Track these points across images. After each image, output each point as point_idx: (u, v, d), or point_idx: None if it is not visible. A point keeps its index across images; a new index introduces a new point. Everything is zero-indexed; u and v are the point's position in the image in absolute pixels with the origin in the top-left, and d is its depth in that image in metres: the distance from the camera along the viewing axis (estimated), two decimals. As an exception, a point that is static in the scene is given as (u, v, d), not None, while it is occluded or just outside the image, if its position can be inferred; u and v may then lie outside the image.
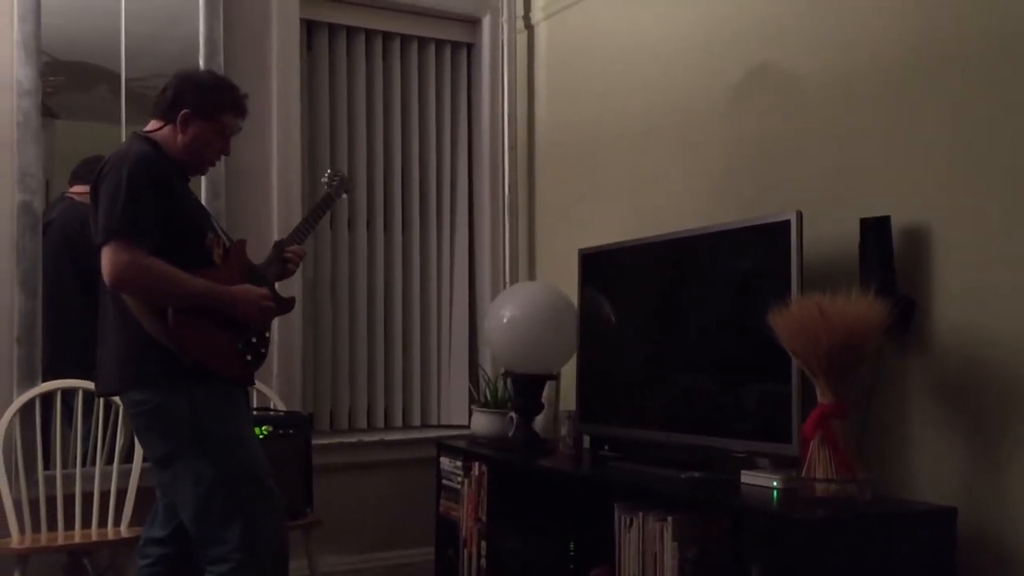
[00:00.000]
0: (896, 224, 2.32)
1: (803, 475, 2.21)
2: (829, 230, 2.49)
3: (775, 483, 2.35)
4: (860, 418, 2.32)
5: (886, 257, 2.30)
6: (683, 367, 2.77)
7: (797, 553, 2.10)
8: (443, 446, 3.48)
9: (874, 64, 2.46)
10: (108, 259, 2.29)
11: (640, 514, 2.47)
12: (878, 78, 2.45)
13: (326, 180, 2.97)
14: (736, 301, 2.62)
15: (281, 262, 2.72)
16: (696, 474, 2.54)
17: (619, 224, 3.31)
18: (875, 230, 2.32)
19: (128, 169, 2.33)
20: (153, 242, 2.32)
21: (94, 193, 2.39)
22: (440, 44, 4.02)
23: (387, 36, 3.90)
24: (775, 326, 2.25)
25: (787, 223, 2.40)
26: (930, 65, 2.33)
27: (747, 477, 2.44)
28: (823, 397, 2.22)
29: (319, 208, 2.91)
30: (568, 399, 3.37)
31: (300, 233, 2.81)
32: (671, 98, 3.16)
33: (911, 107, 2.37)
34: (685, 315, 2.81)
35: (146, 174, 2.35)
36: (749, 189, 2.83)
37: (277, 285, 2.70)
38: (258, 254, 2.69)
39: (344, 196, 3.03)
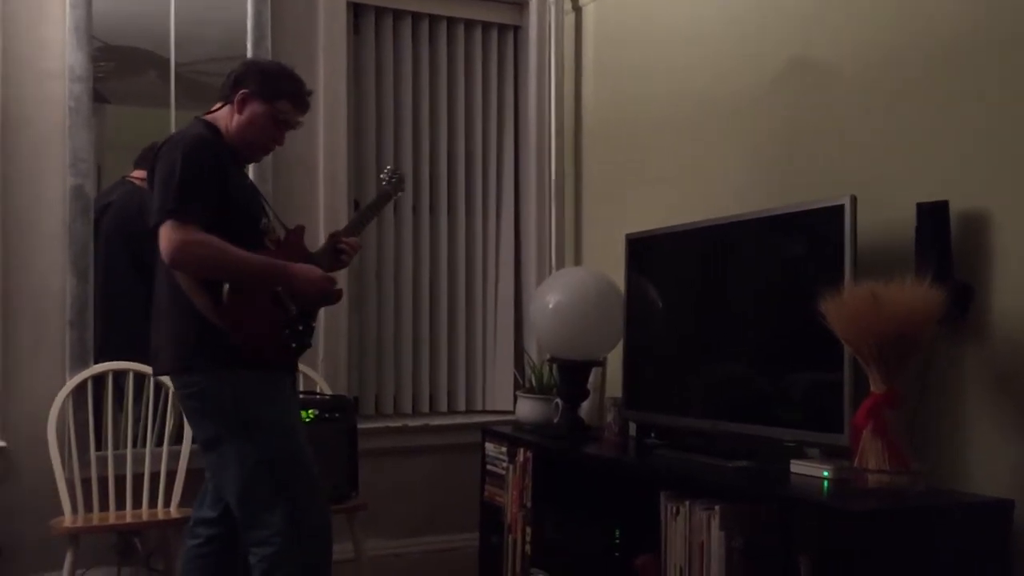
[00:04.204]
0: (954, 209, 2.25)
1: (854, 465, 2.17)
2: (884, 215, 2.43)
3: (825, 473, 2.30)
4: (914, 408, 2.27)
5: (943, 243, 2.24)
6: (731, 355, 2.73)
7: (847, 544, 2.06)
8: (488, 432, 3.47)
9: (931, 43, 2.39)
10: (165, 238, 2.32)
11: (687, 503, 2.44)
12: (935, 57, 2.38)
13: (384, 176, 2.95)
14: (787, 287, 2.57)
15: (335, 252, 2.71)
16: (744, 463, 2.51)
17: (667, 209, 3.26)
18: (932, 215, 2.25)
19: (182, 150, 2.36)
20: (206, 221, 2.34)
21: (150, 176, 2.42)
22: (487, 27, 4.00)
23: (433, 19, 3.89)
24: (827, 313, 2.20)
25: (841, 208, 2.34)
26: (990, 43, 2.25)
27: (796, 467, 2.40)
28: (876, 386, 2.17)
29: (375, 205, 2.91)
30: (614, 386, 3.35)
31: (355, 227, 2.81)
32: (719, 80, 3.11)
33: (970, 88, 2.29)
34: (734, 302, 2.77)
35: (200, 155, 2.38)
36: (800, 173, 2.77)
37: None
38: (306, 240, 2.70)
39: (400, 194, 3.03)
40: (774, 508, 2.32)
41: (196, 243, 2.32)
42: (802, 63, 2.79)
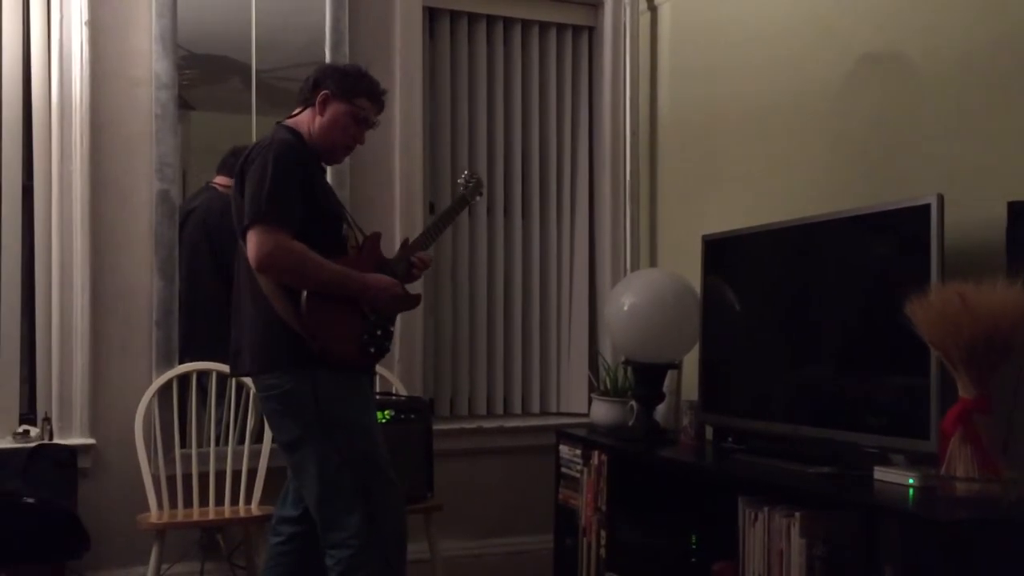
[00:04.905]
0: (1048, 208, 2.17)
1: (942, 473, 2.10)
2: (973, 214, 2.35)
3: (911, 480, 2.23)
4: (1006, 414, 2.19)
5: (1037, 243, 2.16)
6: (812, 358, 2.67)
7: (935, 555, 1.99)
8: (562, 434, 3.46)
9: (1018, 36, 2.31)
10: (254, 242, 2.36)
11: (766, 509, 2.39)
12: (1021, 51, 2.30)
13: (462, 181, 2.97)
14: (870, 289, 2.50)
15: (408, 265, 2.74)
16: (825, 469, 2.45)
17: (744, 210, 3.21)
18: (1024, 214, 2.18)
19: (273, 155, 2.41)
20: (295, 227, 2.38)
21: (239, 180, 2.47)
22: (561, 28, 3.99)
23: (508, 21, 3.90)
24: (913, 316, 2.14)
25: (927, 207, 2.27)
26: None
27: (880, 474, 2.33)
28: (965, 391, 2.10)
29: (452, 209, 2.93)
30: (690, 389, 3.31)
31: (431, 235, 2.83)
32: (799, 78, 3.05)
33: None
34: (814, 304, 2.71)
35: (289, 161, 2.42)
36: (884, 171, 2.70)
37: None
38: (382, 245, 2.73)
39: (478, 198, 3.04)
40: (857, 516, 2.26)
41: (284, 250, 2.36)
42: (885, 58, 2.72)
